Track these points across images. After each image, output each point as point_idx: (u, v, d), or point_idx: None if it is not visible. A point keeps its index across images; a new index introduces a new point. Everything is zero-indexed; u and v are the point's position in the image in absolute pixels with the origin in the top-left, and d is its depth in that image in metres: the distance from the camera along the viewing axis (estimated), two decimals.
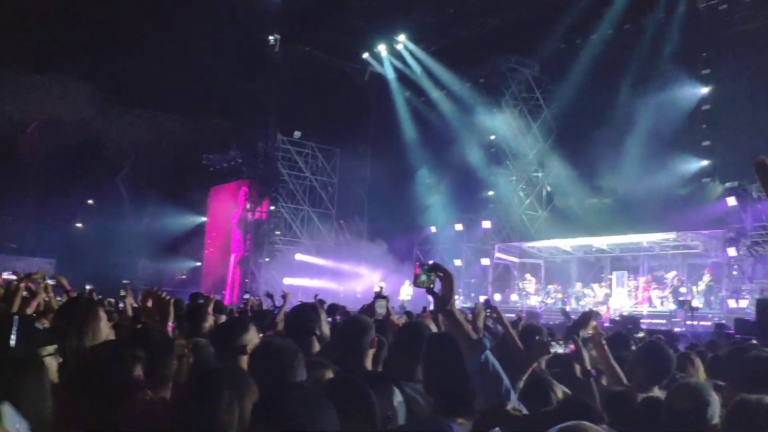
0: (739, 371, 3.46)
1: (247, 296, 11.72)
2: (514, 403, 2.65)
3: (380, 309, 5.16)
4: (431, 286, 2.76)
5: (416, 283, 2.77)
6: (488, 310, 5.49)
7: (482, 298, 22.34)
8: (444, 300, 2.72)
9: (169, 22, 24.96)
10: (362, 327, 3.57)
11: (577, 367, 3.90)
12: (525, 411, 2.64)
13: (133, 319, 5.10)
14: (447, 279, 2.73)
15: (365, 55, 27.33)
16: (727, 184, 19.64)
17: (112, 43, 27.31)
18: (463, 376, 2.69)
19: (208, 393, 1.95)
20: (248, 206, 28.46)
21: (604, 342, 4.27)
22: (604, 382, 4.17)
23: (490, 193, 25.44)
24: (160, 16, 25.52)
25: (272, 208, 28.22)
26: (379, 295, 5.60)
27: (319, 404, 1.79)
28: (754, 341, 8.85)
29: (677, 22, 18.90)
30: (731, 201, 19.12)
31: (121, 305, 6.71)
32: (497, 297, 22.90)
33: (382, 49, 26.60)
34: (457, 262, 25.56)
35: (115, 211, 30.57)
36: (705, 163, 20.66)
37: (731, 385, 3.37)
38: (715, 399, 2.85)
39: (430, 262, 2.84)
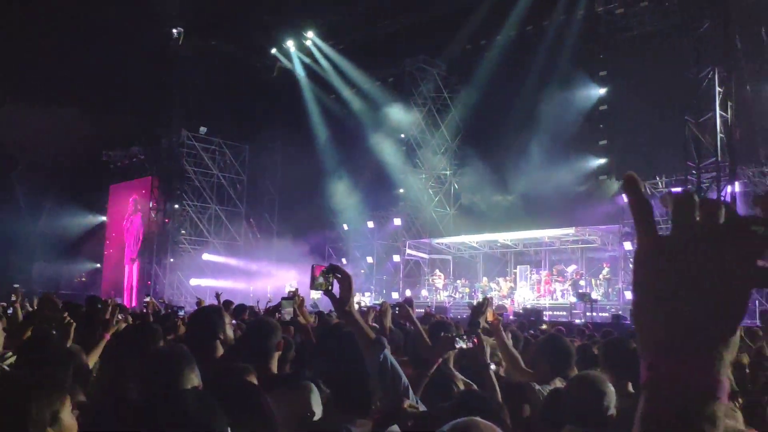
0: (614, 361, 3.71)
1: (147, 299, 11.29)
2: (412, 401, 2.67)
3: (286, 309, 5.08)
4: (329, 288, 2.74)
5: (313, 286, 2.74)
6: (396, 308, 5.51)
7: (407, 293, 22.72)
8: (342, 301, 2.71)
9: (68, 13, 23.67)
10: (267, 329, 3.50)
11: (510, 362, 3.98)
12: (423, 408, 2.66)
13: (23, 325, 4.80)
14: (345, 280, 2.71)
15: (273, 51, 26.95)
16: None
17: (7, 34, 25.62)
18: (361, 376, 2.68)
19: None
20: (151, 204, 27.49)
21: (502, 329, 4.38)
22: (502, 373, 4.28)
23: (401, 190, 25.73)
24: (59, 7, 24.15)
25: (177, 206, 27.37)
26: (285, 297, 5.52)
27: (205, 411, 1.73)
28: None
29: (576, 24, 19.69)
30: (626, 197, 20.19)
31: (10, 311, 6.31)
32: (408, 293, 23.18)
33: (290, 45, 26.32)
34: (369, 259, 25.68)
35: (8, 210, 28.74)
36: (602, 161, 21.73)
37: (610, 374, 3.54)
38: (611, 390, 2.96)
39: (328, 264, 2.82)
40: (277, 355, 3.44)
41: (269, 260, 26.97)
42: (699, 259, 0.64)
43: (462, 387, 3.23)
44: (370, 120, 25.09)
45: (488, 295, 21.09)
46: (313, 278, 2.73)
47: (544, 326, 9.45)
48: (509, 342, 4.49)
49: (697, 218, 0.66)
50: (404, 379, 2.73)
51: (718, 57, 15.53)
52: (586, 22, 19.79)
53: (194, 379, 2.18)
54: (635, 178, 0.70)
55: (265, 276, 26.44)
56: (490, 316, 4.60)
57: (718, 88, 15.39)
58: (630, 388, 3.94)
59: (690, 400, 0.64)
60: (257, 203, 29.84)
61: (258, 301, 12.52)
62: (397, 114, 24.95)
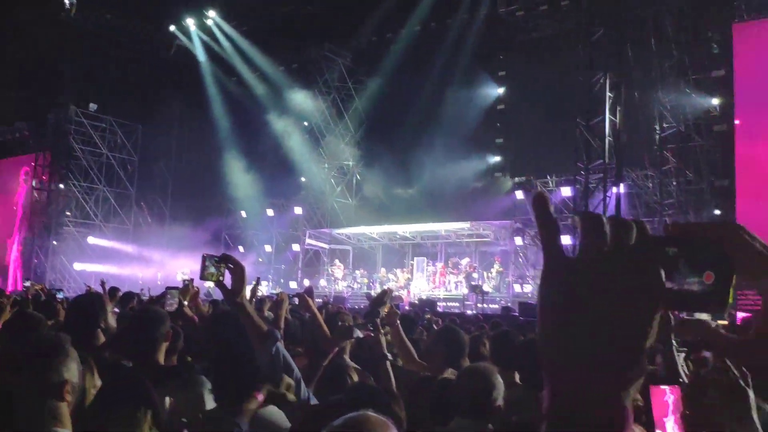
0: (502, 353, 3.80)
1: (28, 283, 10.56)
2: (304, 394, 2.61)
3: (170, 300, 4.84)
4: (221, 278, 2.63)
5: (203, 276, 2.63)
6: (295, 298, 5.40)
7: (306, 282, 22.50)
8: (234, 292, 2.60)
9: None
10: (154, 318, 3.32)
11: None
12: (314, 400, 2.61)
13: None
14: (237, 271, 2.61)
15: (172, 28, 25.80)
16: (516, 179, 21.53)
17: None
18: (250, 367, 2.60)
19: None
20: (34, 183, 25.76)
21: (398, 322, 4.38)
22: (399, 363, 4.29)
23: (303, 179, 25.44)
24: None
25: (62, 186, 25.80)
26: (170, 287, 5.27)
27: None
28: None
29: (478, 24, 20.11)
30: (519, 194, 20.95)
31: None
32: (306, 282, 23.02)
33: (190, 23, 25.28)
34: (268, 248, 25.27)
35: None
36: (498, 158, 22.40)
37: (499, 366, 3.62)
38: (500, 381, 3.01)
39: (221, 254, 2.70)
40: (164, 345, 3.28)
41: (161, 247, 25.95)
42: (607, 280, 0.62)
43: (356, 378, 3.19)
44: (272, 106, 24.59)
45: (386, 286, 21.39)
46: (204, 268, 2.62)
47: (428, 316, 9.59)
48: (404, 336, 4.50)
49: (608, 238, 0.63)
50: (296, 371, 2.66)
51: (609, 64, 16.34)
52: (487, 22, 20.23)
53: (73, 369, 2.01)
54: (544, 196, 0.66)
55: (155, 263, 25.43)
56: (386, 308, 4.59)
57: (608, 94, 16.20)
58: (517, 379, 4.05)
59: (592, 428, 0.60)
60: (149, 186, 28.56)
61: (142, 290, 11.96)
62: (301, 101, 24.61)
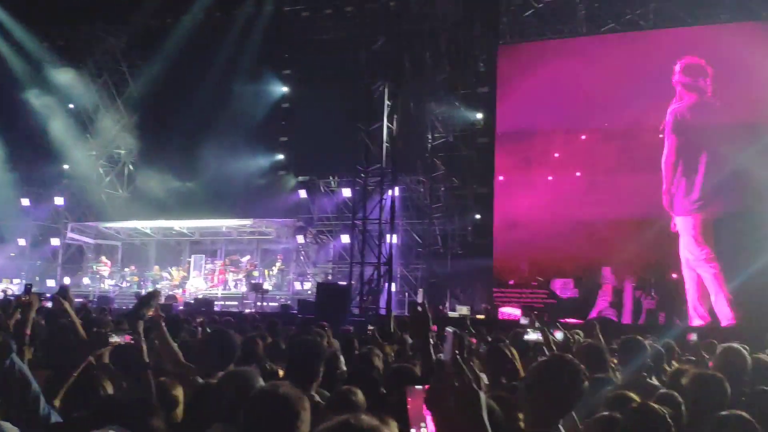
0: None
1: None
2: (44, 410, 2.33)
3: None
4: None
5: None
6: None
7: (66, 281, 20.36)
8: None
9: None
10: None
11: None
12: (55, 417, 2.35)
13: None
14: None
15: None
16: (300, 178, 21.71)
17: None
18: None
19: None
20: None
21: (163, 324, 4.17)
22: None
23: (66, 166, 23.13)
24: None
25: None
26: None
27: None
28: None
29: (264, 20, 19.86)
30: (303, 193, 21.17)
31: None
32: (67, 281, 21.02)
33: None
34: (21, 242, 22.68)
35: None
36: (281, 156, 22.35)
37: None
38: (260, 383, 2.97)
39: None
40: None
41: None
42: None
43: (110, 390, 2.93)
44: (32, 84, 22.01)
45: (158, 286, 20.33)
46: None
47: (200, 319, 9.32)
48: (169, 337, 4.27)
49: None
50: (34, 386, 2.36)
51: (388, 72, 17.13)
52: (274, 19, 20.08)
53: None
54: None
55: None
56: (151, 310, 4.32)
57: (387, 102, 16.98)
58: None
59: None
60: None
61: None
62: (67, 81, 22.31)
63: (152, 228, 23.21)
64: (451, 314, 15.81)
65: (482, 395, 1.42)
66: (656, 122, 16.03)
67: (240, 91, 20.84)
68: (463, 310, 16.18)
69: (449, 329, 1.51)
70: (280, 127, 22.28)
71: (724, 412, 2.72)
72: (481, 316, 15.39)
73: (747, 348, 6.18)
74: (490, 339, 7.40)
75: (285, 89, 22.18)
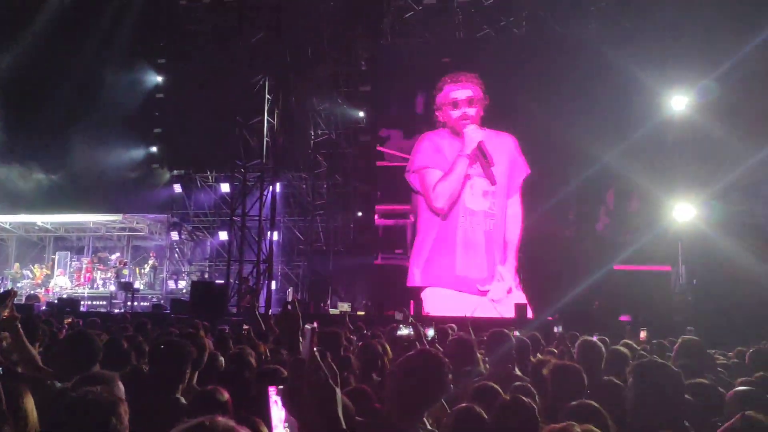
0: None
1: None
2: None
3: None
4: None
5: None
6: None
7: None
8: None
9: None
10: None
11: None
12: None
13: None
14: None
15: None
16: (175, 172, 20.86)
17: None
18: None
19: None
20: None
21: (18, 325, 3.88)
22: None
23: None
24: None
25: None
26: None
27: None
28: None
29: (139, 5, 18.95)
30: (177, 188, 20.39)
31: None
32: None
33: None
34: None
35: None
36: (155, 149, 21.32)
37: None
38: (121, 388, 2.86)
39: None
40: None
41: None
42: None
43: None
44: None
45: (19, 285, 18.90)
46: None
47: (68, 320, 8.76)
48: (25, 339, 3.98)
49: None
50: None
51: (269, 66, 16.84)
52: (149, 5, 19.19)
53: None
54: None
55: None
56: (6, 311, 4.01)
57: (267, 96, 16.69)
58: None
59: None
60: None
61: None
62: None
63: (12, 223, 21.57)
64: (333, 311, 15.83)
65: (338, 391, 1.41)
66: None
67: (112, 79, 19.74)
68: (345, 307, 16.24)
69: (308, 326, 1.49)
70: (154, 118, 21.26)
71: (574, 402, 2.88)
72: (362, 313, 15.52)
73: (606, 340, 6.63)
74: (368, 335, 7.47)
75: (159, 79, 21.19)
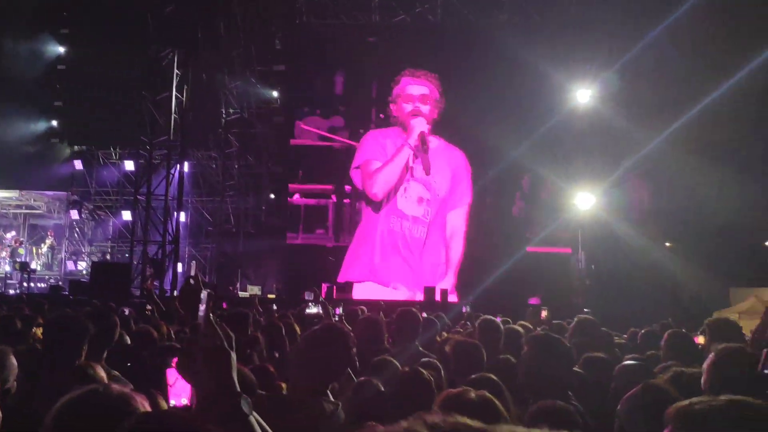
0: None
1: None
2: None
3: None
4: None
5: None
6: None
7: None
8: None
9: None
10: None
11: None
12: None
13: None
14: None
15: None
16: (76, 148, 19.83)
17: None
18: None
19: None
20: None
21: None
22: None
23: None
24: None
25: None
26: None
27: None
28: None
29: None
30: (78, 164, 19.42)
31: None
32: None
33: None
34: None
35: None
36: (55, 123, 20.16)
37: None
38: (12, 363, 2.74)
39: None
40: None
41: None
42: None
43: None
44: None
45: None
46: None
47: None
48: None
49: None
50: None
51: (179, 40, 16.20)
52: None
53: None
54: None
55: None
56: None
57: (176, 71, 16.10)
58: None
59: None
60: None
61: None
62: None
63: None
64: (242, 294, 15.58)
65: (233, 355, 1.38)
66: None
67: (11, 49, 18.53)
68: (255, 290, 16.01)
69: (205, 292, 1.45)
70: (55, 90, 20.07)
71: (474, 376, 2.98)
72: (272, 296, 15.37)
73: (509, 320, 6.86)
74: (277, 316, 7.41)
75: (62, 50, 20.02)
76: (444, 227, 15.54)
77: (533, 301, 13.33)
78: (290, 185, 17.19)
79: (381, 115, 16.54)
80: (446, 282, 14.97)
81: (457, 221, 15.50)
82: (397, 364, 3.24)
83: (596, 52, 15.96)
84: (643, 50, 14.48)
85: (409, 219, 15.29)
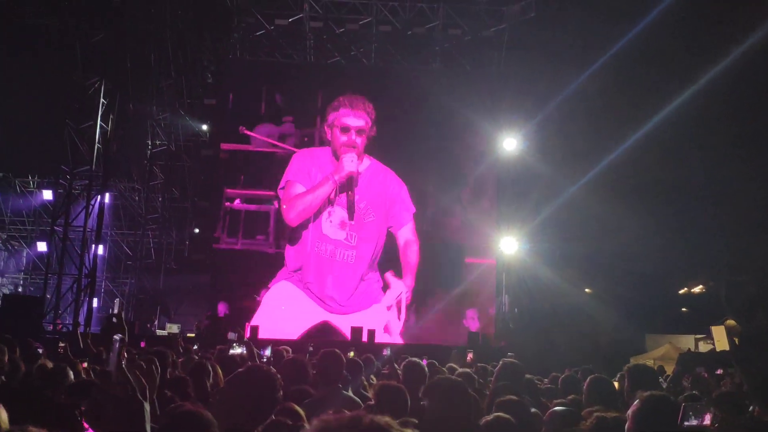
0: None
1: None
2: None
3: None
4: None
5: None
6: None
7: None
8: None
9: None
10: None
11: None
12: None
13: None
14: None
15: None
16: None
17: None
18: None
19: None
20: None
21: None
22: None
23: None
24: None
25: None
26: None
27: None
28: None
29: None
30: None
31: None
32: None
33: None
34: None
35: None
36: None
37: None
38: None
39: None
40: None
41: None
42: None
43: None
44: None
45: None
46: None
47: None
48: None
49: None
50: None
51: (106, 69, 15.77)
52: None
53: None
54: None
55: None
56: None
57: (102, 99, 15.63)
58: None
59: None
60: None
61: None
62: None
63: None
64: (160, 332, 15.00)
65: (146, 405, 1.31)
66: None
67: None
68: (173, 328, 15.43)
69: (117, 336, 1.38)
70: None
71: (398, 420, 2.96)
72: (192, 335, 14.87)
73: (435, 363, 6.87)
74: (197, 357, 7.17)
75: None
76: (374, 248, 15.19)
77: (470, 313, 13.47)
78: (229, 190, 16.70)
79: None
80: (397, 288, 14.52)
81: (407, 234, 15.27)
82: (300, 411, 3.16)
83: (522, 103, 16.58)
84: (563, 103, 15.20)
85: (332, 243, 15.13)
